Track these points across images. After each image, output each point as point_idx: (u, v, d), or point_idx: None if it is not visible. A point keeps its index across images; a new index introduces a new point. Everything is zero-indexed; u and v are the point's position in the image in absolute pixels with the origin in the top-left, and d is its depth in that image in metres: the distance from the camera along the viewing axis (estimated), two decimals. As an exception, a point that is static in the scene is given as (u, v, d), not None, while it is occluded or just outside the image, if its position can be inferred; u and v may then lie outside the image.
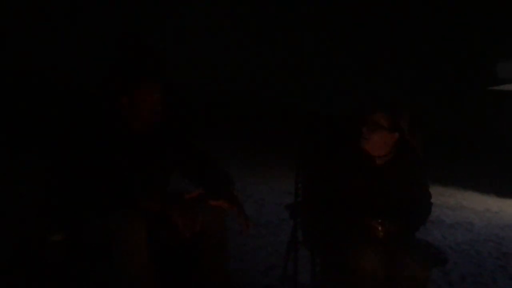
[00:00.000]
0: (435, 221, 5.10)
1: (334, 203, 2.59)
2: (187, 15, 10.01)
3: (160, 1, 9.44)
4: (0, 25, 7.77)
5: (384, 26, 10.64)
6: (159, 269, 2.26)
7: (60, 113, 2.45)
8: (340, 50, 10.70)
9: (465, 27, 10.32)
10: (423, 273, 2.40)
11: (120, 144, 2.34)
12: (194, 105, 6.93)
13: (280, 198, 5.21)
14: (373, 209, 2.57)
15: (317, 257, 2.74)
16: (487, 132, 9.37)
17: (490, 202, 6.35)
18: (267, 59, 10.59)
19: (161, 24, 8.81)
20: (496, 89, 8.29)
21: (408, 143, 2.69)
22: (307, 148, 2.91)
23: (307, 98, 9.62)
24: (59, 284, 2.17)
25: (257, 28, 10.63)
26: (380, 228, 2.49)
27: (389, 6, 10.66)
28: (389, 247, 2.45)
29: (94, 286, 2.18)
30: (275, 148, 8.20)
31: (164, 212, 2.21)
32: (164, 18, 9.21)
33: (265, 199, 5.35)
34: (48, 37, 8.40)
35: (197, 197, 2.37)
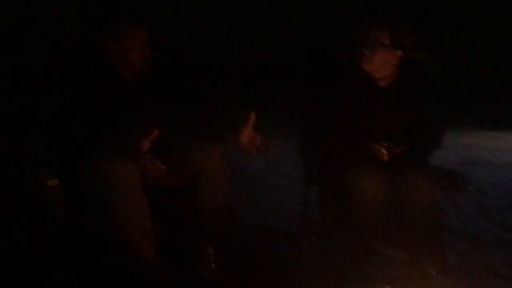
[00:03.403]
0: (482, 163, 4.83)
1: (337, 130, 2.48)
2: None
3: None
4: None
5: None
6: (156, 213, 2.21)
7: (50, 58, 2.45)
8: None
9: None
10: (429, 193, 2.25)
11: (110, 91, 2.30)
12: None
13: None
14: (378, 132, 2.43)
15: (326, 190, 2.64)
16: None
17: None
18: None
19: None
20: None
21: (414, 62, 2.52)
22: (311, 81, 2.80)
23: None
24: (57, 228, 2.20)
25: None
26: (384, 151, 2.35)
27: None
28: (394, 169, 2.32)
29: (90, 230, 2.19)
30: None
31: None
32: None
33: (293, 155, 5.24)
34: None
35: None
